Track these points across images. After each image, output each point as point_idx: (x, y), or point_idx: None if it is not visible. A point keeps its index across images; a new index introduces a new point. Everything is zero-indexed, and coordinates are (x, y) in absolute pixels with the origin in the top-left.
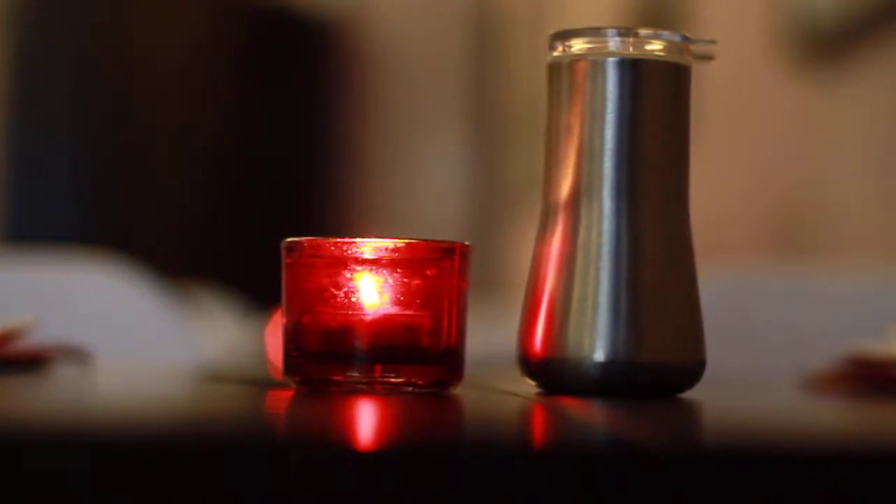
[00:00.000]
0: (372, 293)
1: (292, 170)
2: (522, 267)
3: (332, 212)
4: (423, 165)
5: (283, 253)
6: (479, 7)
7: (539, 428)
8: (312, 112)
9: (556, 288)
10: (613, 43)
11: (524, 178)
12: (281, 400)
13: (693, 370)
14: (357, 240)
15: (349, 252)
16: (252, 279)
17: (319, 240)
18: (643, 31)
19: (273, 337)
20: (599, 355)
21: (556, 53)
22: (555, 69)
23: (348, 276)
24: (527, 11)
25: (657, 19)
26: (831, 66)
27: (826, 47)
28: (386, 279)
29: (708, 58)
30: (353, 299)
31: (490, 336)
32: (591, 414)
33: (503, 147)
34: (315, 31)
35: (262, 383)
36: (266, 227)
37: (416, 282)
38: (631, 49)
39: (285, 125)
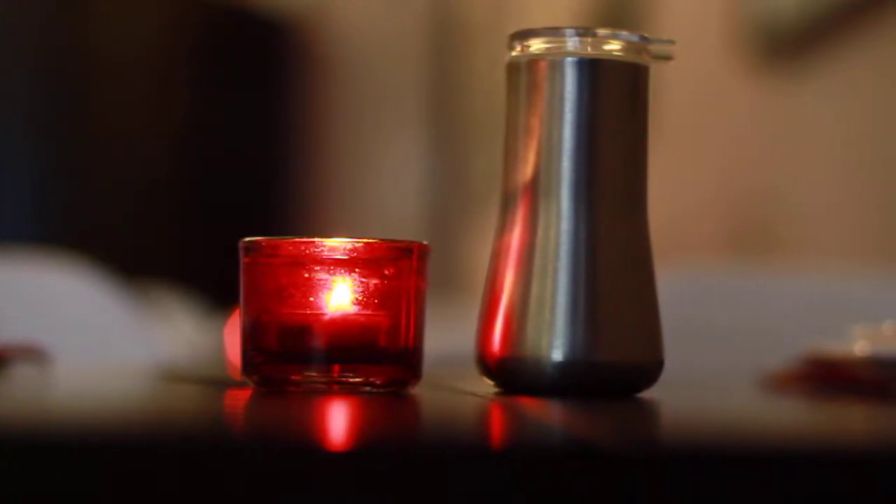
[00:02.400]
0: (330, 293)
1: (252, 169)
2: (481, 266)
3: (292, 211)
4: (383, 165)
5: (242, 252)
6: (438, 7)
7: (497, 428)
8: (273, 112)
9: (513, 287)
10: (572, 43)
11: (483, 177)
12: (239, 400)
13: (651, 370)
14: (315, 239)
15: (307, 252)
16: (211, 278)
17: (277, 239)
18: (601, 32)
19: (232, 336)
20: (557, 355)
21: (514, 53)
22: (513, 69)
23: (306, 275)
24: (486, 12)
25: (616, 20)
26: (791, 66)
27: (786, 47)
28: (344, 279)
29: (666, 58)
30: (312, 299)
31: (449, 336)
32: (548, 413)
33: (463, 147)
34: (276, 31)
35: (220, 383)
36: (225, 227)
37: (375, 281)
38: (589, 49)
39: (245, 125)
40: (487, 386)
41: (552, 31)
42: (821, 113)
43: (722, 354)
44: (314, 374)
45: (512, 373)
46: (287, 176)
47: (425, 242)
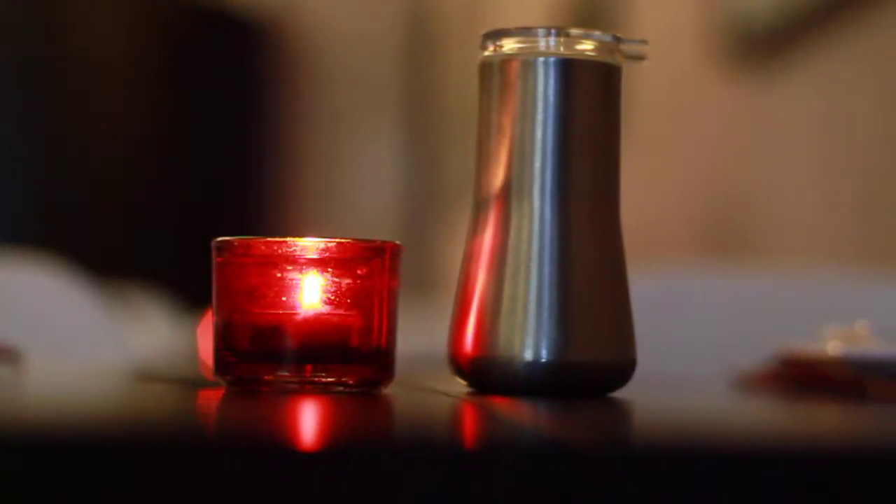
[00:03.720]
0: (302, 292)
1: (226, 169)
2: (454, 266)
3: (267, 211)
4: (356, 165)
5: (214, 252)
6: (412, 7)
7: (469, 427)
8: (247, 111)
9: (486, 287)
10: (544, 42)
11: (457, 177)
12: (211, 400)
13: (624, 370)
14: (288, 239)
15: (280, 251)
16: (185, 278)
17: (250, 239)
18: (574, 31)
19: (205, 336)
20: (530, 355)
21: (487, 53)
22: (486, 69)
23: (279, 275)
24: (460, 12)
25: (590, 20)
26: (765, 67)
27: (759, 48)
28: (316, 278)
29: (639, 58)
30: (284, 299)
31: (421, 335)
32: (521, 413)
33: (436, 147)
34: (250, 31)
35: (193, 383)
36: (199, 227)
37: (347, 281)
38: (562, 49)
39: (219, 124)
40: (460, 386)
41: (525, 31)
42: (794, 114)
43: (695, 354)
44: (286, 373)
45: (484, 373)
46: (261, 176)
47: (398, 242)
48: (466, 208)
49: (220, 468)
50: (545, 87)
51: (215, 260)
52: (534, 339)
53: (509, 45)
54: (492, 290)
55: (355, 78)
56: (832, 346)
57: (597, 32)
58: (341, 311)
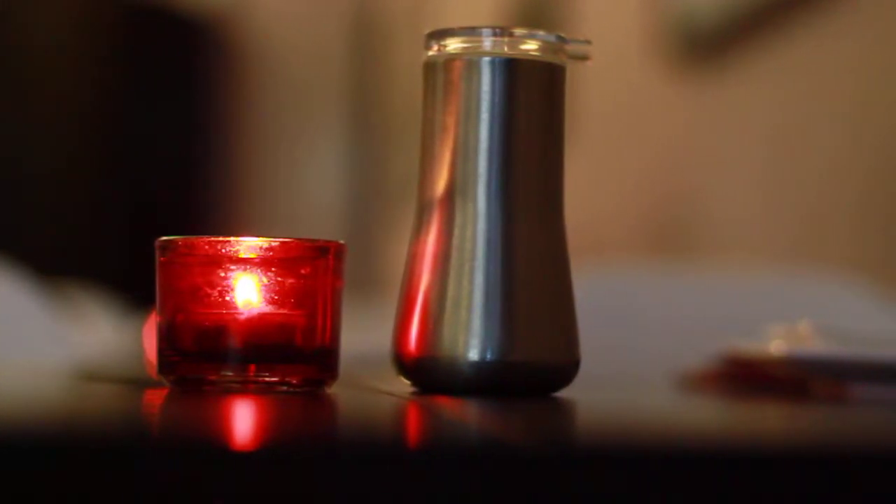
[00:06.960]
0: (246, 292)
1: (171, 168)
2: (399, 266)
3: (212, 211)
4: (301, 164)
5: (157, 252)
6: (358, 7)
7: (413, 427)
8: (192, 110)
9: (430, 287)
10: (488, 42)
11: (402, 177)
12: (155, 399)
13: (567, 369)
14: (231, 239)
15: (223, 251)
16: (130, 278)
17: (193, 239)
18: (518, 31)
19: (150, 336)
20: (473, 354)
21: (431, 52)
22: (430, 68)
23: (222, 275)
24: (405, 11)
25: (535, 20)
26: (710, 67)
27: (705, 48)
28: (260, 278)
29: (583, 58)
30: (227, 298)
31: (366, 335)
32: (465, 413)
33: (381, 146)
34: (195, 29)
35: (137, 382)
36: (144, 226)
37: (291, 281)
38: (505, 48)
39: (164, 123)
40: (404, 385)
41: (469, 31)
42: (740, 113)
43: (639, 354)
44: (230, 373)
45: (428, 372)
46: (206, 175)
47: (342, 241)
48: (411, 208)
49: (163, 467)
50: (489, 86)
51: (159, 259)
52: (477, 339)
53: (453, 44)
54: (436, 289)
55: (300, 77)
56: (775, 345)
57: (541, 32)
58: (285, 311)
